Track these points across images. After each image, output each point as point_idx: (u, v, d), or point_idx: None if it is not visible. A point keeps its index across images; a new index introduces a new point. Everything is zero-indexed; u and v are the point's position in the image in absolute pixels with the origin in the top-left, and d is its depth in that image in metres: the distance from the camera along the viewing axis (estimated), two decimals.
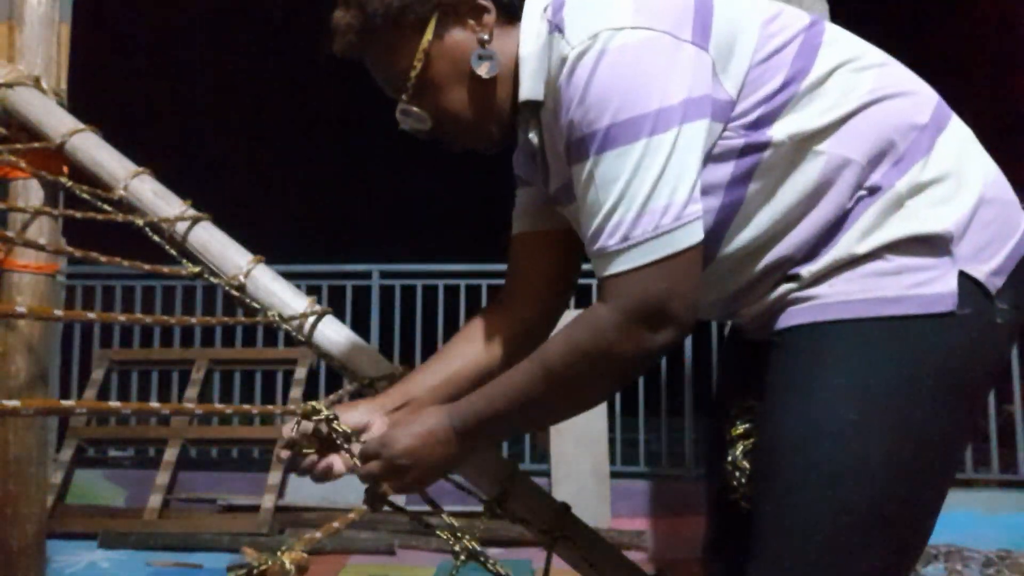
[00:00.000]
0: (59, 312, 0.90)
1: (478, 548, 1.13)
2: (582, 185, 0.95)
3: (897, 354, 0.92)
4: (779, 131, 0.96)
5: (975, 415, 1.01)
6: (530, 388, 0.97)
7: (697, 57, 0.93)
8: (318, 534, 0.85)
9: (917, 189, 0.95)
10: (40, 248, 1.40)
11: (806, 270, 0.98)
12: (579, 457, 4.33)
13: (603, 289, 0.95)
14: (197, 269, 1.30)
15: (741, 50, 0.96)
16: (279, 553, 0.75)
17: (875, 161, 0.96)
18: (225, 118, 9.23)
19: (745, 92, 0.96)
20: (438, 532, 1.16)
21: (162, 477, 4.47)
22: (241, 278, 1.27)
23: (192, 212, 1.35)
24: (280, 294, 1.28)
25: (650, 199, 0.89)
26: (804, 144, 0.96)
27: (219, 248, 1.32)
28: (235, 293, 1.28)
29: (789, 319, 0.99)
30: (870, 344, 0.93)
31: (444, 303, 5.15)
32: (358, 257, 5.29)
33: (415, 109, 1.07)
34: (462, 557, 1.12)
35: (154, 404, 0.74)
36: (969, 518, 4.30)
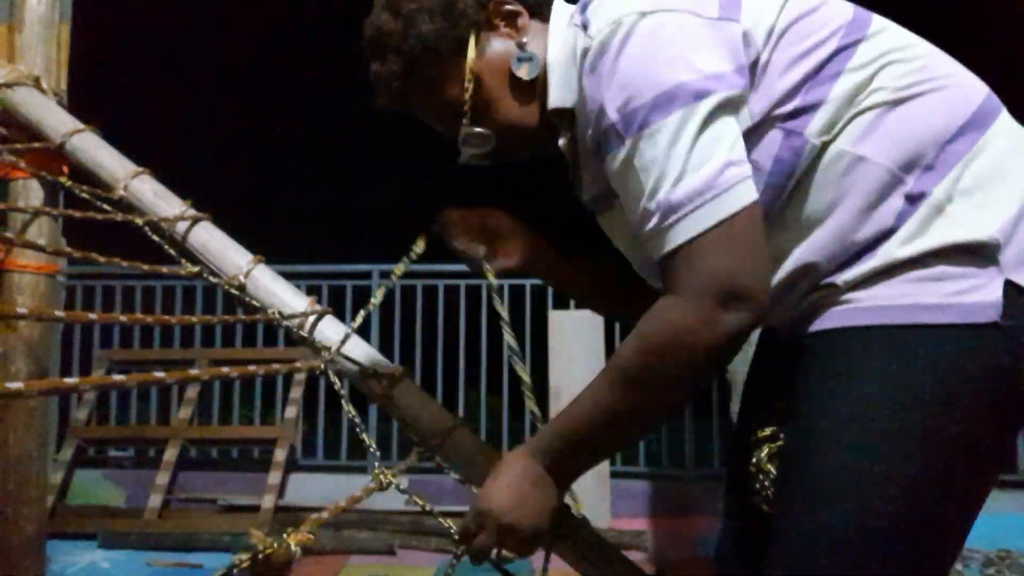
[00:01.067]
0: (60, 313, 0.90)
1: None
2: (619, 174, 0.93)
3: (934, 365, 0.87)
4: (812, 125, 0.92)
5: (1012, 436, 0.94)
6: (608, 397, 0.93)
7: (726, 29, 0.92)
8: (324, 514, 0.85)
9: (958, 194, 0.90)
10: (39, 249, 1.40)
11: (841, 279, 0.93)
12: None
13: (665, 277, 0.90)
14: (196, 269, 1.30)
15: (772, 22, 0.94)
16: (285, 535, 0.76)
17: (907, 166, 0.91)
18: (225, 118, 9.22)
19: (778, 65, 0.93)
20: (441, 521, 1.16)
21: (162, 477, 4.47)
22: (241, 278, 1.27)
23: (192, 212, 1.35)
24: (280, 294, 1.28)
25: (689, 168, 0.86)
26: (829, 141, 0.92)
27: (219, 248, 1.32)
28: (235, 293, 1.27)
29: (824, 322, 0.95)
30: (907, 352, 0.88)
31: (444, 303, 5.15)
32: (358, 257, 5.29)
33: (478, 130, 1.06)
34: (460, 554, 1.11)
35: (158, 374, 0.74)
36: None
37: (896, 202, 0.91)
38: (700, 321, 0.85)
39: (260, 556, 0.71)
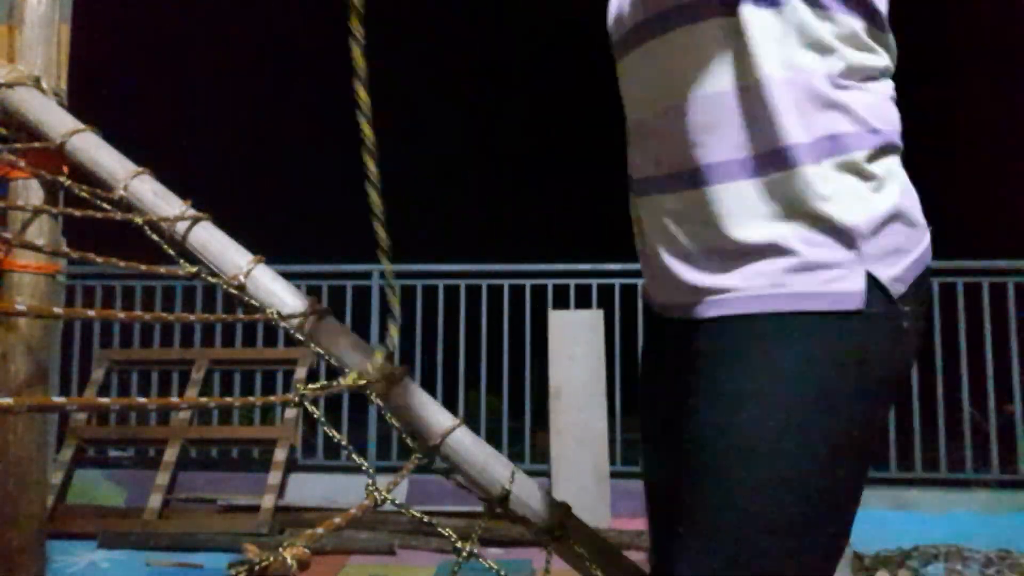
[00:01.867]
0: (59, 310, 0.90)
1: (477, 551, 1.12)
2: None
3: (810, 353, 0.91)
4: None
5: (883, 419, 1.00)
6: None
7: None
8: (320, 530, 0.85)
9: (847, 173, 0.94)
10: (37, 249, 1.40)
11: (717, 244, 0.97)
12: (579, 457, 4.33)
13: None
14: (195, 269, 1.30)
15: None
16: (280, 549, 0.75)
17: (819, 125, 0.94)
18: (225, 118, 9.22)
19: None
20: (440, 530, 1.16)
21: (162, 477, 4.47)
22: (241, 278, 1.27)
23: (192, 212, 1.35)
24: (280, 294, 1.28)
25: None
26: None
27: (219, 248, 1.32)
28: (235, 293, 1.27)
29: (708, 309, 0.97)
30: (785, 342, 0.92)
31: (444, 303, 5.15)
32: (358, 257, 5.29)
33: None
34: (464, 555, 1.11)
35: (141, 400, 0.74)
36: (969, 518, 4.30)
37: (786, 148, 0.93)
38: None
39: (256, 570, 0.71)
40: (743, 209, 0.95)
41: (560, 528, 1.19)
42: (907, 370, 0.99)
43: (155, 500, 4.36)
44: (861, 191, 0.94)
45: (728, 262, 0.96)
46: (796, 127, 0.93)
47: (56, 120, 1.45)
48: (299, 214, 10.98)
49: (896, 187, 0.97)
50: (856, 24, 0.97)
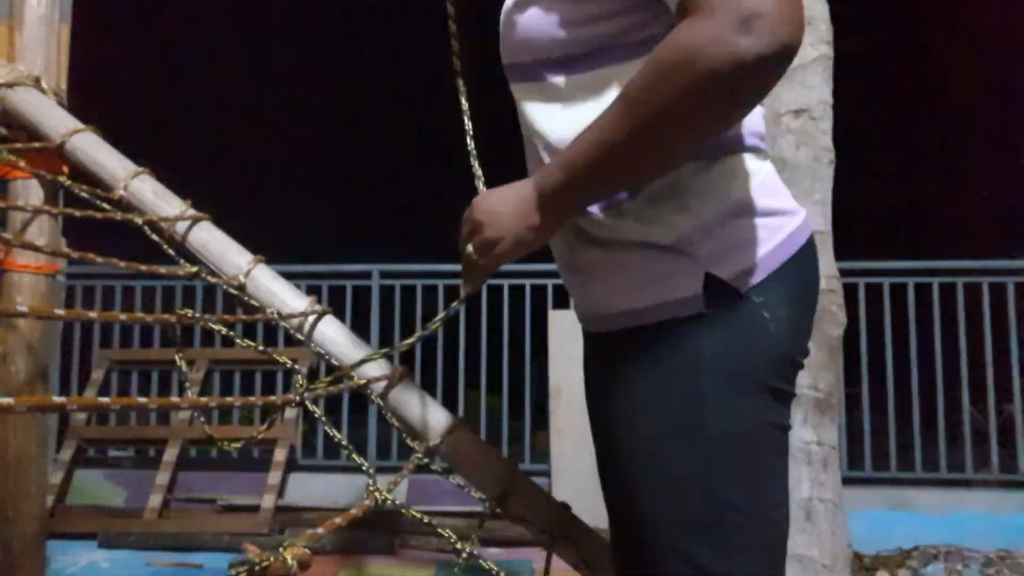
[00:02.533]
0: (60, 311, 0.90)
1: (477, 552, 1.12)
2: None
3: (663, 361, 0.95)
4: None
5: (778, 406, 0.98)
6: (611, 122, 0.86)
7: None
8: (320, 530, 0.85)
9: (665, 195, 0.96)
10: (37, 249, 1.40)
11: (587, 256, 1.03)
12: (579, 457, 4.33)
13: (689, 6, 0.82)
14: (195, 269, 1.30)
15: None
16: (281, 549, 0.75)
17: None
18: (225, 118, 9.22)
19: None
20: (439, 531, 1.16)
21: (162, 477, 4.47)
22: (241, 278, 1.27)
23: (192, 212, 1.35)
24: (280, 294, 1.28)
25: None
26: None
27: (219, 248, 1.32)
28: (235, 293, 1.27)
29: (594, 325, 1.06)
30: (643, 355, 0.96)
31: (444, 303, 5.15)
32: (358, 257, 5.29)
33: None
34: (463, 555, 1.11)
35: (141, 400, 0.74)
36: (969, 518, 4.30)
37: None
38: (713, 40, 0.77)
39: (256, 570, 0.71)
40: (585, 240, 1.02)
41: (560, 528, 1.19)
42: (788, 357, 0.98)
43: (155, 500, 4.36)
44: (680, 205, 0.96)
45: (587, 286, 1.03)
46: None
47: (56, 120, 1.45)
48: (299, 214, 10.98)
49: (736, 185, 0.98)
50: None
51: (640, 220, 0.97)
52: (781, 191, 1.03)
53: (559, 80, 1.00)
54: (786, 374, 0.99)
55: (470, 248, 0.99)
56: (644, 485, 0.96)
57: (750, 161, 1.01)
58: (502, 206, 0.96)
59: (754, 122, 1.02)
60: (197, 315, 1.12)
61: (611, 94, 0.93)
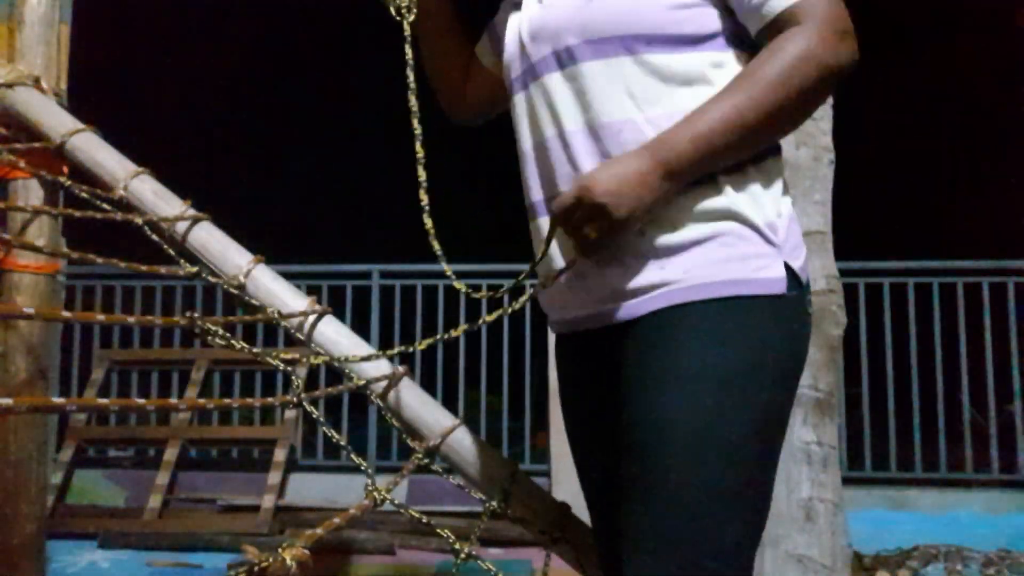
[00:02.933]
0: (67, 313, 0.90)
1: (476, 552, 1.12)
2: None
3: (743, 338, 1.01)
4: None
5: (791, 399, 1.09)
6: (747, 105, 0.99)
7: None
8: (320, 530, 0.85)
9: (762, 180, 1.06)
10: (37, 249, 1.40)
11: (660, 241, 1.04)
12: None
13: (790, 18, 1.01)
14: (195, 269, 1.30)
15: None
16: (280, 550, 0.75)
17: None
18: (225, 118, 9.22)
19: None
20: (439, 531, 1.16)
21: (162, 477, 4.47)
22: (241, 278, 1.27)
23: (192, 212, 1.35)
24: (280, 294, 1.28)
25: None
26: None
27: (219, 248, 1.32)
28: (235, 293, 1.28)
29: (646, 306, 1.05)
30: (719, 327, 1.01)
31: (444, 303, 5.15)
32: (358, 257, 5.29)
33: None
34: (463, 555, 1.11)
35: (141, 400, 0.74)
36: (969, 518, 4.30)
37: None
38: (828, 47, 0.98)
39: (256, 570, 0.71)
40: (676, 214, 1.04)
41: (560, 528, 1.19)
42: (804, 356, 1.09)
43: (155, 500, 4.36)
44: (775, 193, 1.08)
45: (663, 259, 1.04)
46: None
47: (56, 120, 1.45)
48: (299, 214, 10.98)
49: (783, 189, 1.11)
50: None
51: (743, 199, 1.04)
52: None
53: (659, 56, 1.06)
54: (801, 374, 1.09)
55: (591, 231, 1.01)
56: (698, 448, 0.98)
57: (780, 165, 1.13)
58: (626, 186, 0.99)
59: None
60: (205, 318, 1.12)
61: (719, 76, 1.05)
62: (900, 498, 4.45)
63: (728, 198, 1.04)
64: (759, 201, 1.05)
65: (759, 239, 1.04)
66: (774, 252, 1.04)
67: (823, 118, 2.43)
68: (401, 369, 1.24)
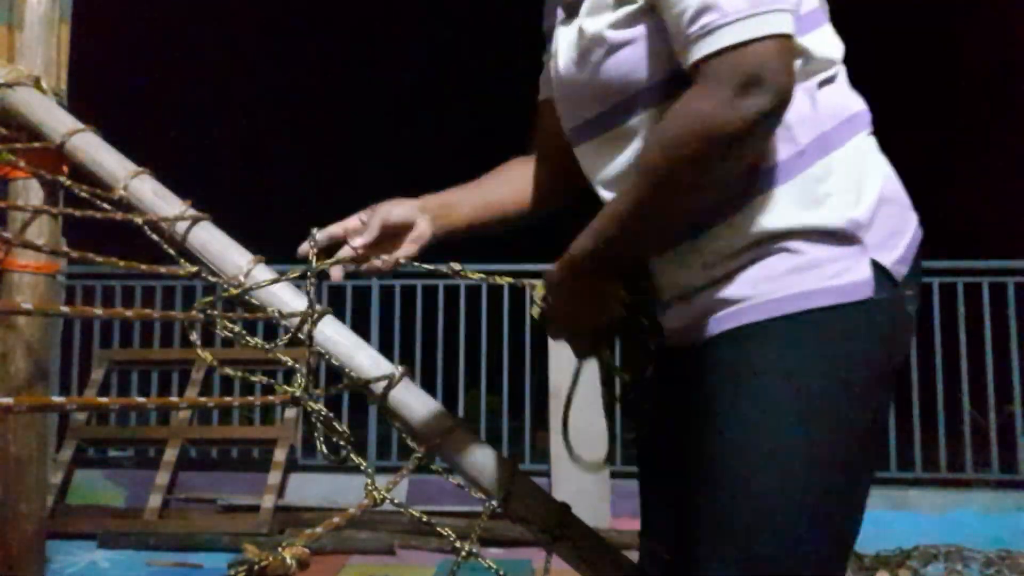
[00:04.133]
0: (65, 308, 0.90)
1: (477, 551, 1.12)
2: None
3: (825, 349, 0.93)
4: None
5: (888, 404, 1.02)
6: (635, 192, 0.92)
7: None
8: (320, 530, 0.85)
9: (823, 179, 0.95)
10: (37, 249, 1.40)
11: (718, 245, 0.97)
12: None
13: (693, 74, 0.88)
14: (195, 269, 1.30)
15: None
16: (280, 549, 0.75)
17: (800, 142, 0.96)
18: (225, 118, 9.22)
19: None
20: (439, 531, 1.16)
21: (162, 477, 4.47)
22: (241, 278, 1.27)
23: (192, 212, 1.35)
24: (280, 294, 1.28)
25: None
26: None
27: (219, 248, 1.32)
28: (235, 292, 1.27)
29: (718, 325, 0.97)
30: (799, 341, 0.93)
31: (444, 303, 5.15)
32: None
33: None
34: (463, 555, 1.11)
35: (141, 400, 0.74)
36: (969, 518, 4.30)
37: (763, 167, 0.95)
38: (721, 106, 0.84)
39: (256, 570, 0.71)
40: (741, 224, 0.96)
41: (560, 528, 1.19)
42: (906, 355, 1.01)
43: (155, 500, 4.36)
44: (849, 184, 0.96)
45: (731, 275, 0.97)
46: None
47: (56, 120, 1.45)
48: (299, 214, 10.99)
49: (877, 168, 1.00)
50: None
51: (800, 205, 0.94)
52: (897, 177, 1.03)
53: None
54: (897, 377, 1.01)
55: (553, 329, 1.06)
56: (784, 469, 0.92)
57: (874, 141, 1.02)
58: (554, 275, 1.03)
59: (855, 98, 1.02)
60: (212, 313, 1.12)
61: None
62: (900, 498, 4.45)
63: (781, 205, 0.94)
64: (826, 198, 0.94)
65: (831, 240, 0.93)
66: (854, 251, 0.93)
67: None
68: (401, 369, 1.24)
